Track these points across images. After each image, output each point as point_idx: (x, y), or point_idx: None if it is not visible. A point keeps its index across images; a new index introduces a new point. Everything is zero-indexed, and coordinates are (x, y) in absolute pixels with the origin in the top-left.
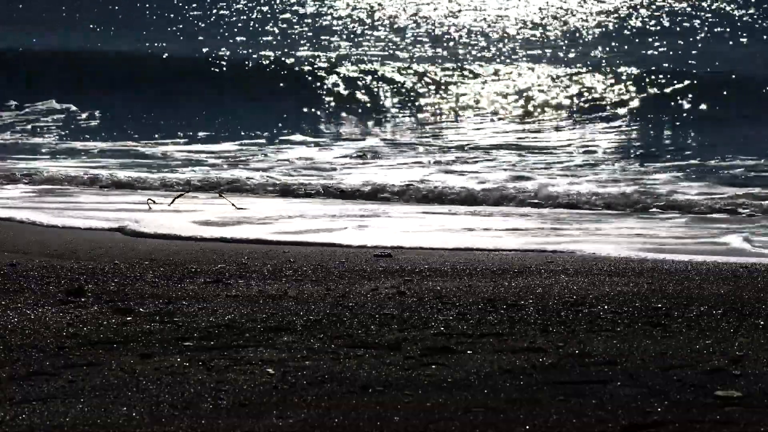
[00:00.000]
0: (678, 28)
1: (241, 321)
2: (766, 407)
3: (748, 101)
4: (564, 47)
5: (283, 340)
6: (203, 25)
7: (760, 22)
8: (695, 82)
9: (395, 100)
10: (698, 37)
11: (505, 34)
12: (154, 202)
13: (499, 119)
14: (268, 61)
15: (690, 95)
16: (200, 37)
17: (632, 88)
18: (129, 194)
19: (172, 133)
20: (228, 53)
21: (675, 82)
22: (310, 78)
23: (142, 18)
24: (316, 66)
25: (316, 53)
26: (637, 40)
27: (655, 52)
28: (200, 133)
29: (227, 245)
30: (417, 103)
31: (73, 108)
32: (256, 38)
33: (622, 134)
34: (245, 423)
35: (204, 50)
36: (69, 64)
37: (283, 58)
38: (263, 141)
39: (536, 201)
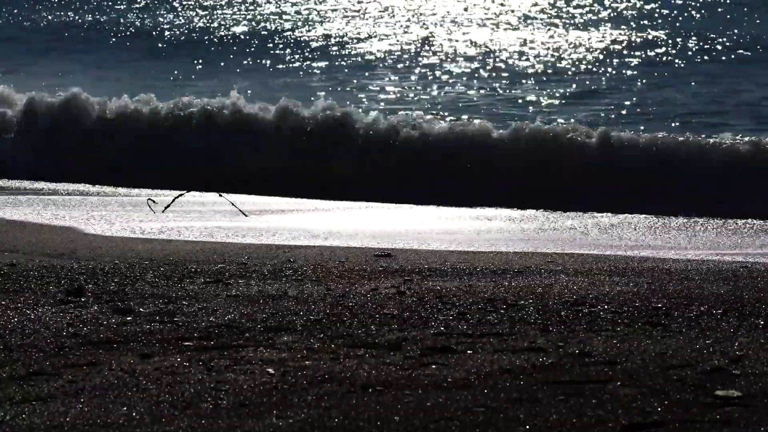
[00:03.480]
0: None
1: (241, 321)
2: (766, 407)
3: None
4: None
5: (283, 340)
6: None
7: None
8: None
9: None
10: None
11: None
12: (155, 202)
13: None
14: None
15: None
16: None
17: None
18: None
19: None
20: None
21: None
22: None
23: None
24: None
25: None
26: None
27: None
28: None
29: (227, 245)
30: None
31: None
32: None
33: None
34: (245, 423)
35: None
36: None
37: None
38: None
39: None
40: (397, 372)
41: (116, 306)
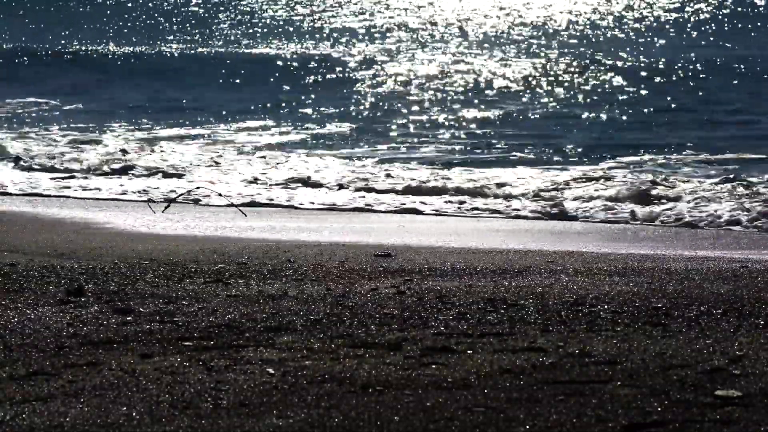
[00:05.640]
0: None
1: (241, 321)
2: (766, 407)
3: None
4: None
5: (283, 340)
6: None
7: None
8: None
9: None
10: None
11: None
12: (154, 201)
13: None
14: None
15: None
16: None
17: None
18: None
19: None
20: None
21: None
22: None
23: None
24: None
25: None
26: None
27: None
28: None
29: (227, 245)
30: None
31: None
32: None
33: None
34: (245, 423)
35: None
36: None
37: None
38: None
39: None
40: (397, 372)
41: (116, 306)
